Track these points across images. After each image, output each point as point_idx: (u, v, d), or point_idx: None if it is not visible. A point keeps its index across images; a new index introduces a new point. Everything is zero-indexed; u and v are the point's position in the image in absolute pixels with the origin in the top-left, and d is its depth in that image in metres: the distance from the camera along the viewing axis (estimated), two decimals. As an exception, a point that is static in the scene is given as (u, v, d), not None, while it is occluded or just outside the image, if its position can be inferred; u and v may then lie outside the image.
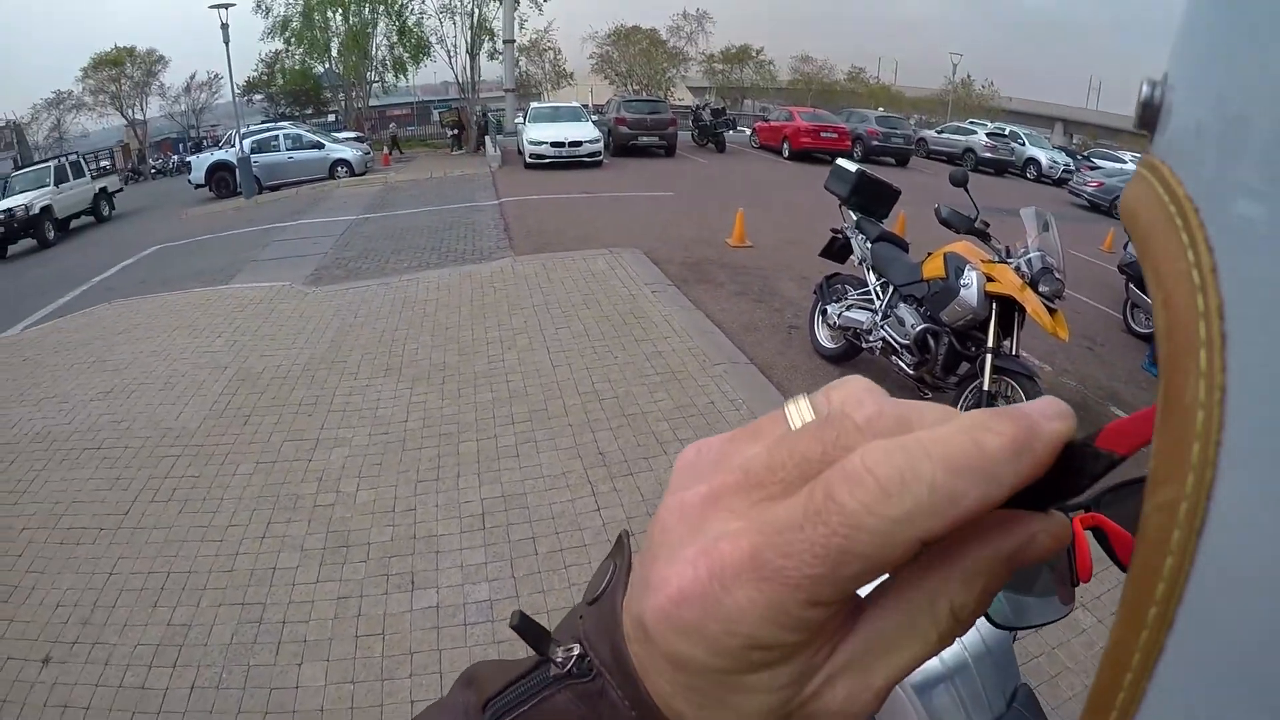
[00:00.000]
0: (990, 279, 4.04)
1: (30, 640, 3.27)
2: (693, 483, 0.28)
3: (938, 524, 0.22)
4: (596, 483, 4.12)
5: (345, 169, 19.63)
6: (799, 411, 0.29)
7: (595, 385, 5.17)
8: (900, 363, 4.72)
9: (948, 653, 1.40)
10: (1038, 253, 4.03)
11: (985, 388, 4.00)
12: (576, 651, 0.33)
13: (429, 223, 11.09)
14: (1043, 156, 24.23)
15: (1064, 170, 23.20)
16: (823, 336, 5.71)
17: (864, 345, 5.08)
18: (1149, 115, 0.25)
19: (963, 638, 1.33)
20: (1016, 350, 4.20)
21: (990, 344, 4.04)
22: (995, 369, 4.00)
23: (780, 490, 0.25)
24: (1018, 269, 4.01)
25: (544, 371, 5.40)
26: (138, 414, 5.22)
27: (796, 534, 0.23)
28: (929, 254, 4.63)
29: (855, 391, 0.29)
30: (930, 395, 4.79)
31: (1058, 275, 4.01)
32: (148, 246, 11.98)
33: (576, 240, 8.93)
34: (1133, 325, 7.29)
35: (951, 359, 4.36)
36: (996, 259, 4.18)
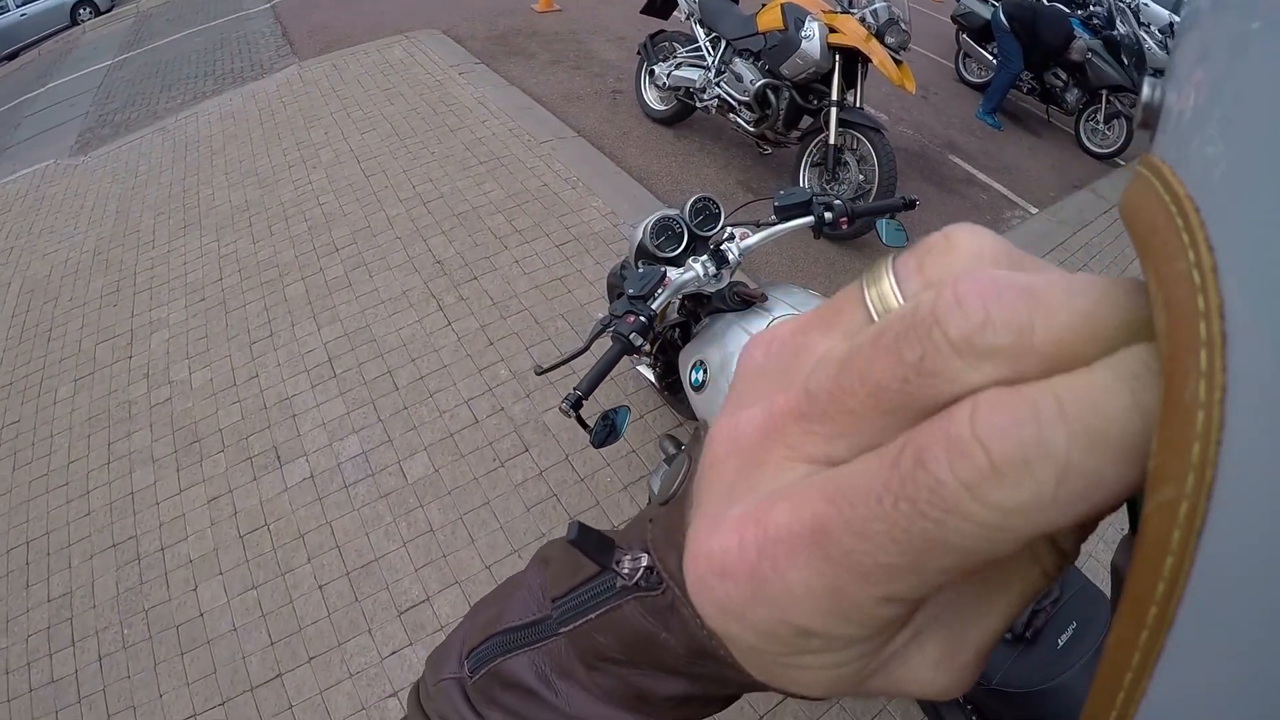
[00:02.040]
0: (833, 30, 3.69)
1: None
2: (754, 397, 0.21)
3: (1064, 519, 0.16)
4: (441, 295, 3.56)
5: (89, 9, 15.92)
6: (880, 294, 0.19)
7: (417, 188, 4.37)
8: (739, 120, 4.22)
9: None
10: (883, 3, 3.71)
11: (831, 141, 3.70)
12: (645, 562, 0.30)
13: (196, 46, 9.09)
14: None
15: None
16: (651, 99, 5.04)
17: (698, 105, 4.54)
18: (1150, 115, 0.24)
19: None
20: (860, 102, 3.88)
21: (834, 97, 3.70)
22: (840, 122, 3.69)
23: (850, 426, 0.18)
24: (862, 20, 3.67)
25: (358, 185, 4.55)
26: None
27: (874, 508, 0.17)
28: (763, 5, 4.07)
29: (960, 262, 0.19)
30: (770, 151, 4.28)
31: (904, 26, 3.77)
32: None
33: (366, 31, 7.39)
34: (964, 75, 7.08)
35: (793, 114, 4.01)
36: (839, 9, 3.80)
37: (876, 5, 3.70)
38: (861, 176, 3.64)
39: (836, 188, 3.75)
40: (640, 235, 1.80)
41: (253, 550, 2.78)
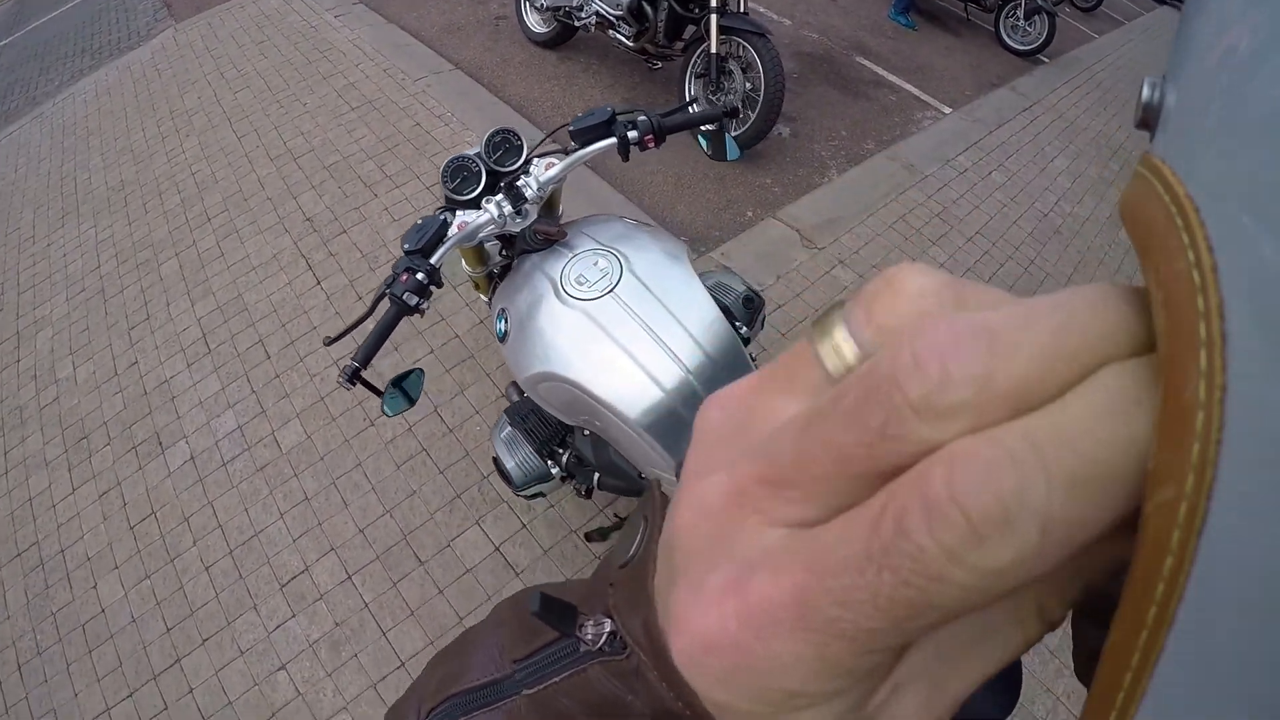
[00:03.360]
0: None
1: None
2: (716, 463, 0.21)
3: (1047, 568, 0.16)
4: (310, 254, 3.34)
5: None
6: (835, 347, 0.19)
7: (288, 144, 4.05)
8: (619, 36, 3.87)
9: (670, 381, 1.35)
10: None
11: (713, 50, 3.37)
12: (608, 628, 0.30)
13: (76, 20, 8.39)
14: None
15: None
16: (532, 22, 4.67)
17: (577, 24, 4.19)
18: (1149, 115, 0.24)
19: (684, 360, 1.30)
20: (744, 6, 3.48)
21: (714, 3, 3.35)
22: (722, 29, 3.34)
23: (821, 490, 0.18)
24: None
25: (230, 149, 4.22)
26: None
27: (856, 577, 0.16)
28: None
29: (907, 303, 0.19)
30: (659, 66, 3.94)
31: None
32: None
33: (245, -16, 6.89)
34: None
35: (673, 24, 3.67)
36: None
37: None
38: (749, 85, 3.37)
39: (722, 98, 3.49)
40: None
41: (143, 540, 2.70)
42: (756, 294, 1.76)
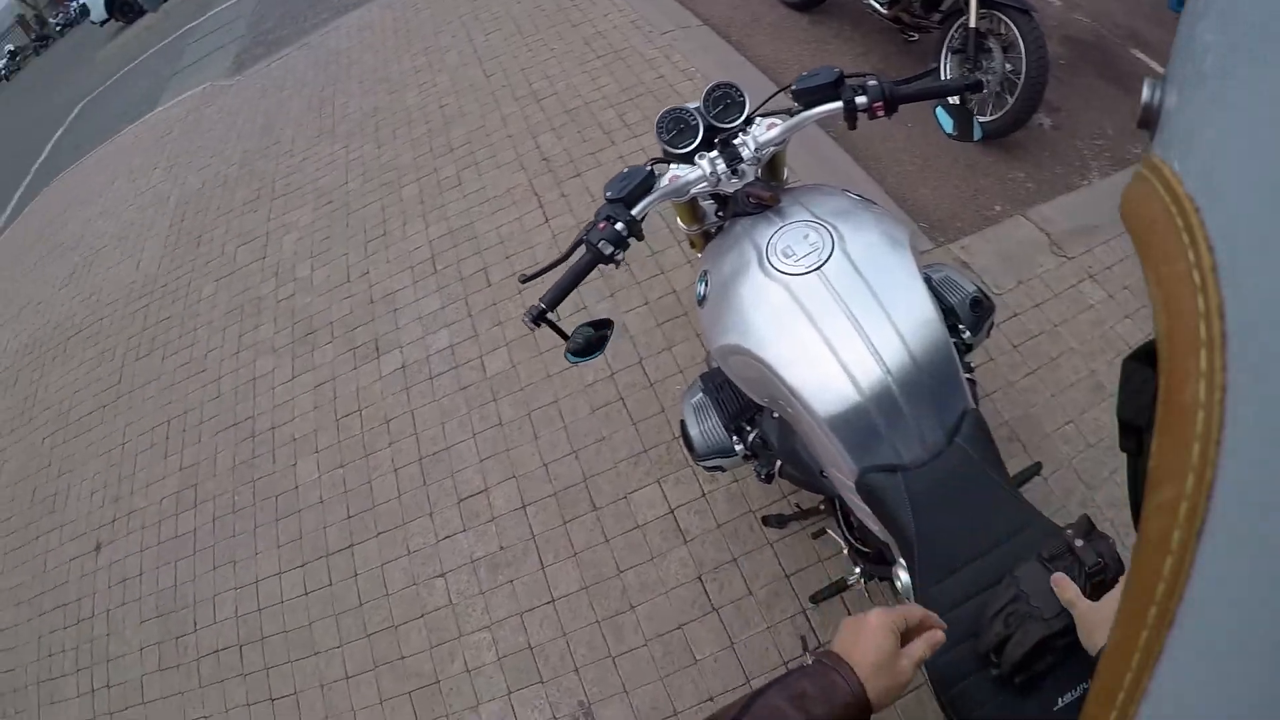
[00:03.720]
0: None
1: (80, 535, 3.42)
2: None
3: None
4: (543, 193, 3.68)
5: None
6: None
7: (533, 86, 4.46)
8: (873, 2, 3.84)
9: (867, 380, 1.24)
10: None
11: (972, 24, 3.23)
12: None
13: None
14: None
15: None
16: None
17: None
18: (1149, 115, 0.27)
19: (886, 359, 1.23)
20: None
21: None
22: (983, 3, 3.21)
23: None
24: None
25: (478, 86, 4.69)
26: (101, 282, 5.03)
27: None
28: None
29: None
30: (915, 38, 3.88)
31: None
32: (72, 109, 10.95)
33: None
34: None
35: None
36: None
37: None
38: (1009, 66, 3.21)
39: (979, 76, 3.33)
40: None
41: (345, 433, 3.08)
42: (987, 296, 1.63)
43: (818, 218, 1.42)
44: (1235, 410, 0.16)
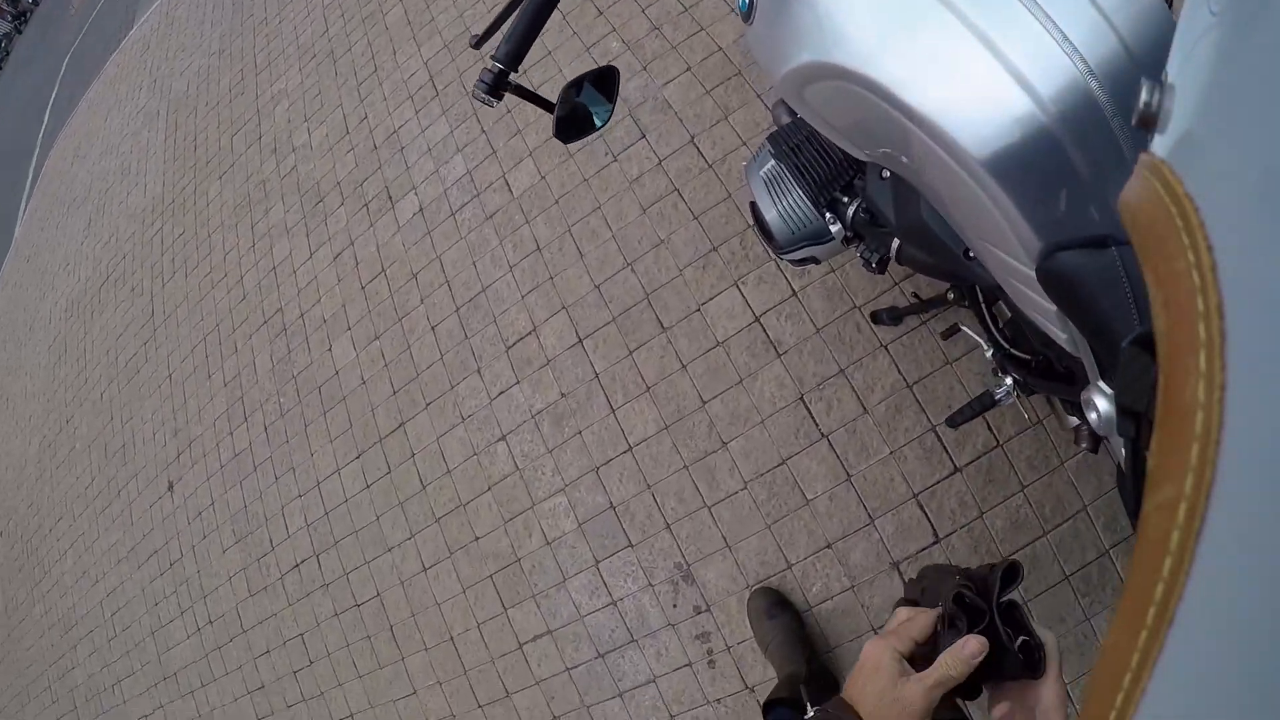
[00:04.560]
0: None
1: (153, 480, 3.34)
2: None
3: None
4: None
5: None
6: None
7: None
8: None
9: (1058, 92, 0.70)
10: None
11: None
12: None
13: None
14: None
15: None
16: None
17: None
18: (1149, 115, 0.25)
19: (1086, 54, 0.71)
20: None
21: None
22: None
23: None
24: None
25: None
26: (117, 220, 4.82)
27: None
28: None
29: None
30: None
31: None
32: (59, 69, 10.55)
33: None
34: None
35: None
36: None
37: None
38: None
39: None
40: None
41: (373, 300, 2.75)
42: None
43: None
44: (1235, 410, 0.16)
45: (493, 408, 2.25)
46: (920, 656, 0.67)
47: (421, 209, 2.72)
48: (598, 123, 1.12)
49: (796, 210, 1.34)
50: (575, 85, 1.09)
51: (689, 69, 2.36)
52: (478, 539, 2.18)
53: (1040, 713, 0.65)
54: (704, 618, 1.91)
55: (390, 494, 2.39)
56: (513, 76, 1.00)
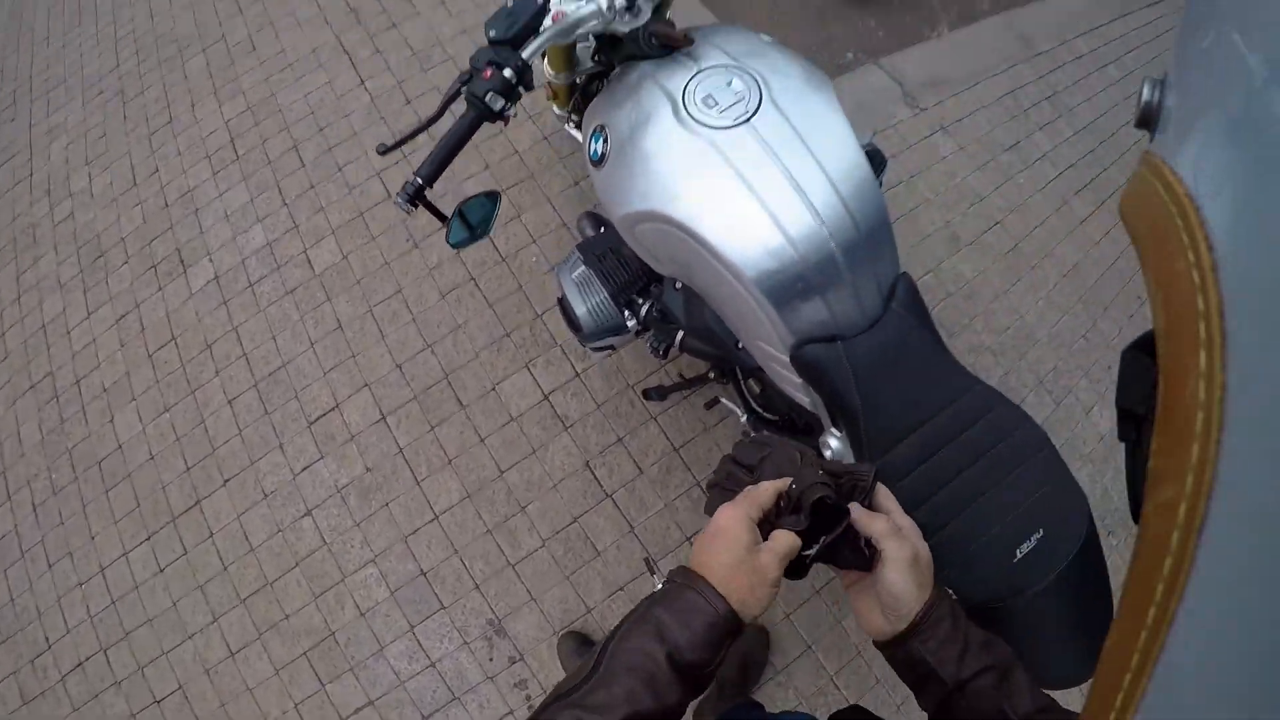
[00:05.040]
0: None
1: None
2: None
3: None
4: (354, 50, 3.11)
5: None
6: None
7: None
8: None
9: (805, 241, 1.16)
10: None
11: None
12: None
13: None
14: None
15: None
16: None
17: None
18: (1149, 115, 0.26)
19: (824, 216, 1.16)
20: None
21: None
22: None
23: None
24: None
25: None
26: None
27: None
28: None
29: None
30: None
31: None
32: None
33: None
34: None
35: None
36: None
37: None
38: None
39: None
40: None
41: (162, 369, 2.66)
42: (878, 150, 1.55)
43: (739, 62, 1.29)
44: (1235, 410, 0.16)
45: (296, 483, 2.28)
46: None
47: (217, 277, 2.68)
48: (483, 237, 1.34)
49: (602, 309, 1.63)
50: (469, 201, 1.31)
51: (487, 167, 2.60)
52: (288, 616, 2.19)
53: (882, 587, 0.73)
54: (519, 666, 2.11)
55: (188, 577, 2.32)
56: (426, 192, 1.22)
